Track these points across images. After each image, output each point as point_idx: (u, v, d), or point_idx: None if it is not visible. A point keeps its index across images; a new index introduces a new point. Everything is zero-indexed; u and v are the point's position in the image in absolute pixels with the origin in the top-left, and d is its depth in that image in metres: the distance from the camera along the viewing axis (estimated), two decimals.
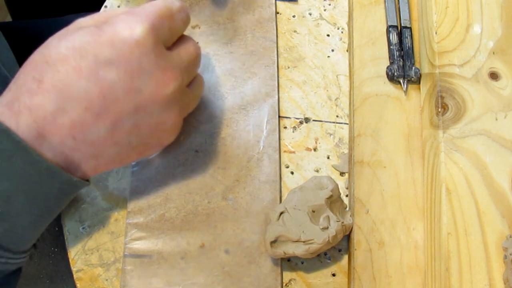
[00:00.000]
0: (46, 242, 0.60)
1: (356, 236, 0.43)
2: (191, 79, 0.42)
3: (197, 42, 0.44)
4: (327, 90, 0.51)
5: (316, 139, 0.49)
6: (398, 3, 0.52)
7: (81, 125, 0.36)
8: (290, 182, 0.47)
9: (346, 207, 0.45)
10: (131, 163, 0.46)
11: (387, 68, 0.49)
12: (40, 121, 0.35)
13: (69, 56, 0.36)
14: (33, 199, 0.36)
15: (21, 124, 0.35)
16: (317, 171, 0.47)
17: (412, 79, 0.48)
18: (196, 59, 0.41)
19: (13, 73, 0.39)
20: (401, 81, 0.48)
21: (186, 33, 0.42)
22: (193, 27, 0.52)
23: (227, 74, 0.50)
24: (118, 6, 0.54)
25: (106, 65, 0.36)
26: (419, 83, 0.48)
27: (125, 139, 0.38)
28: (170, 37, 0.39)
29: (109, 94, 0.36)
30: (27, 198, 0.36)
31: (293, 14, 0.54)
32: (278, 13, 0.54)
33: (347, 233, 0.43)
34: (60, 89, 0.35)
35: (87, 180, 0.40)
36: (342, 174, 0.47)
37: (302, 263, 0.44)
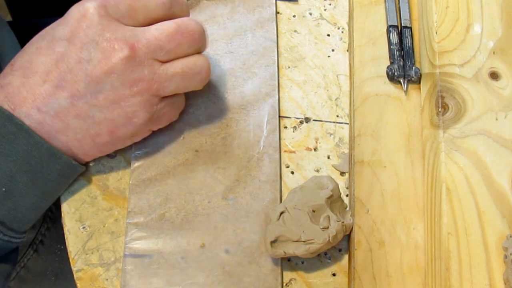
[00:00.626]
0: (53, 239, 0.60)
1: (356, 236, 0.43)
2: (171, 58, 0.41)
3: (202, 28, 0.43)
4: (328, 90, 0.51)
5: (317, 139, 0.49)
6: (399, 3, 0.52)
7: (43, 97, 0.39)
8: (290, 182, 0.47)
9: (347, 207, 0.45)
10: (132, 152, 0.46)
11: (388, 68, 0.49)
12: (10, 96, 0.39)
13: (34, 41, 0.41)
14: (35, 179, 0.40)
15: None
16: (317, 171, 0.47)
17: (413, 79, 0.48)
18: (173, 36, 0.41)
19: None
20: (402, 81, 0.48)
21: None
22: None
23: (227, 74, 0.50)
24: None
25: (60, 40, 0.40)
26: (419, 83, 0.48)
27: (87, 111, 0.40)
28: (129, 15, 0.41)
29: (63, 66, 0.39)
30: (29, 178, 0.40)
31: (293, 14, 0.54)
32: (278, 13, 0.54)
33: (347, 233, 0.43)
34: (25, 67, 0.40)
35: (84, 165, 0.44)
36: (342, 174, 0.47)
37: (302, 263, 0.44)
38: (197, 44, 0.42)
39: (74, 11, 0.40)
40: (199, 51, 0.43)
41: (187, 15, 0.44)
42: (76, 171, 0.43)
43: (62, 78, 0.39)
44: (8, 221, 0.40)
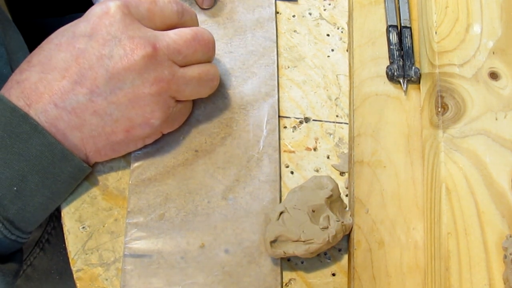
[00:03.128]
0: (59, 238, 0.60)
1: (356, 236, 0.43)
2: (186, 63, 0.43)
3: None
4: (327, 90, 0.51)
5: (316, 139, 0.49)
6: (398, 3, 0.52)
7: (61, 92, 0.39)
8: (290, 181, 0.47)
9: (346, 206, 0.45)
10: (132, 152, 0.46)
11: (387, 68, 0.49)
12: (26, 91, 0.39)
13: (53, 37, 0.41)
14: (46, 180, 0.40)
15: (12, 96, 0.39)
16: (317, 170, 0.47)
17: (412, 79, 0.48)
18: (191, 43, 0.42)
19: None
20: (401, 81, 0.48)
21: None
22: None
23: (227, 73, 0.50)
24: None
25: (81, 37, 0.40)
26: (419, 83, 0.48)
27: (105, 109, 0.40)
28: (148, 17, 0.42)
29: (83, 62, 0.39)
30: (40, 178, 0.40)
31: (293, 14, 0.54)
32: (278, 12, 0.54)
33: (347, 232, 0.43)
34: (43, 63, 0.40)
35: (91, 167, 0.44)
36: (342, 173, 0.47)
37: (302, 262, 0.44)
38: (210, 52, 0.44)
39: (96, 9, 0.41)
40: (209, 60, 0.45)
41: (197, 25, 0.45)
42: (85, 172, 0.44)
43: (82, 74, 0.39)
44: (16, 221, 0.40)
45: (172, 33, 0.42)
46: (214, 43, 0.44)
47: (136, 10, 0.41)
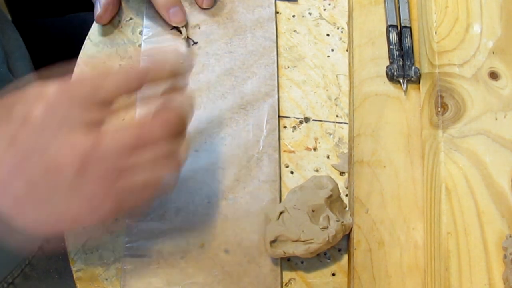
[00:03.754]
0: (58, 237, 0.60)
1: (356, 236, 0.43)
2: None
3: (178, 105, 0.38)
4: (327, 90, 0.51)
5: (316, 139, 0.49)
6: (398, 2, 0.52)
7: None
8: (290, 181, 0.47)
9: (346, 206, 0.45)
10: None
11: (387, 67, 0.49)
12: None
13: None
14: None
15: None
16: (316, 170, 0.47)
17: (412, 78, 0.48)
18: (133, 149, 0.35)
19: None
20: (401, 80, 0.48)
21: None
22: (193, 27, 0.52)
23: (227, 73, 0.50)
24: None
25: (20, 124, 0.34)
26: (419, 82, 0.48)
27: (45, 201, 0.35)
28: (91, 96, 0.35)
29: (21, 152, 0.34)
30: None
31: (293, 14, 0.54)
32: (278, 12, 0.54)
33: (347, 232, 0.43)
34: None
35: None
36: (342, 173, 0.47)
37: (302, 262, 0.44)
38: (160, 149, 0.36)
39: (32, 91, 0.35)
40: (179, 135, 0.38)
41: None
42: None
43: (19, 166, 0.35)
44: None
45: (110, 133, 0.35)
46: (165, 138, 0.36)
47: (78, 92, 0.35)
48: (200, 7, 0.52)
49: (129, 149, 0.35)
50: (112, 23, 0.53)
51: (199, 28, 0.52)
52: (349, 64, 0.51)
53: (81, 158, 0.34)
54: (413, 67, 0.48)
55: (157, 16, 0.52)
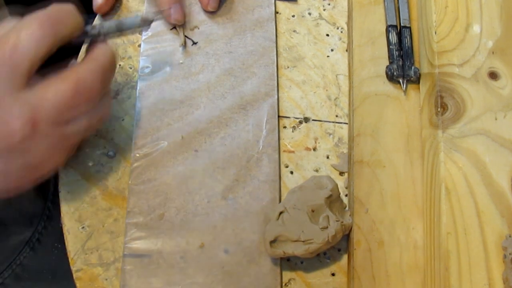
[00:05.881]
0: (50, 237, 0.60)
1: (356, 236, 0.43)
2: (72, 117, 0.40)
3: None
4: (327, 90, 0.51)
5: (316, 139, 0.49)
6: (398, 2, 0.52)
7: None
8: (290, 181, 0.47)
9: (346, 206, 0.45)
10: (132, 152, 0.46)
11: (387, 67, 0.49)
12: None
13: None
14: None
15: None
16: (316, 170, 0.47)
17: (412, 78, 0.48)
18: (72, 101, 0.39)
19: None
20: (401, 80, 0.48)
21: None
22: (192, 29, 0.52)
23: (226, 73, 0.50)
24: None
25: None
26: (419, 82, 0.48)
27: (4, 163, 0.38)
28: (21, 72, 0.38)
29: None
30: None
31: (292, 14, 0.54)
32: (277, 12, 0.54)
33: (347, 232, 0.43)
34: None
35: None
36: (341, 173, 0.47)
37: (302, 262, 0.44)
38: (96, 98, 0.41)
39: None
40: (95, 106, 0.41)
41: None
42: None
43: None
44: None
45: (51, 94, 0.38)
46: (99, 88, 0.40)
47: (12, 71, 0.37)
48: (204, 10, 0.52)
49: (69, 105, 0.39)
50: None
51: (198, 29, 0.52)
52: (349, 64, 0.51)
53: (25, 141, 0.37)
54: (412, 67, 0.48)
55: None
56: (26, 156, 0.39)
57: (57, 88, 0.38)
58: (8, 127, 0.37)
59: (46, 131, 0.38)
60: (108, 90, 0.43)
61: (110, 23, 0.44)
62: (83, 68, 0.40)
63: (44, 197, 0.61)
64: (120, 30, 0.44)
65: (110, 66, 0.41)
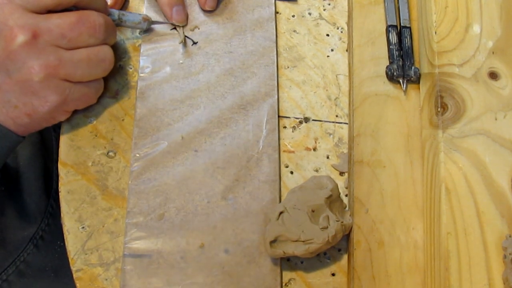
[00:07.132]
0: (53, 235, 0.60)
1: (356, 236, 0.43)
2: (73, 46, 0.43)
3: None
4: (327, 90, 0.51)
5: (316, 139, 0.49)
6: (398, 3, 0.52)
7: None
8: (290, 181, 0.47)
9: (346, 206, 0.45)
10: (132, 152, 0.46)
11: (387, 67, 0.49)
12: None
13: None
14: None
15: None
16: (316, 170, 0.47)
17: (412, 78, 0.48)
18: (75, 25, 0.42)
19: None
20: (401, 80, 0.48)
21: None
22: (192, 29, 0.52)
23: (226, 73, 0.50)
24: None
25: None
26: (419, 82, 0.48)
27: (2, 97, 0.42)
28: (35, 1, 0.41)
29: None
30: None
31: (292, 14, 0.54)
32: (277, 12, 0.54)
33: (347, 232, 0.43)
34: None
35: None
36: (341, 173, 0.47)
37: (302, 262, 0.44)
38: (98, 35, 0.44)
39: None
40: (105, 42, 0.45)
41: (96, 6, 0.45)
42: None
43: None
44: None
45: (55, 17, 0.42)
46: (103, 25, 0.44)
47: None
48: (202, 8, 0.52)
49: (71, 28, 0.42)
50: None
51: (198, 29, 0.52)
52: (349, 64, 0.51)
53: (24, 49, 0.40)
54: (412, 67, 0.48)
55: (156, 15, 0.52)
56: (22, 69, 0.41)
57: (63, 14, 0.42)
58: (11, 32, 0.40)
59: (45, 47, 0.41)
60: (109, 50, 0.46)
61: (113, 12, 0.47)
62: (89, 10, 0.44)
63: (47, 194, 0.61)
64: (121, 22, 0.48)
65: (112, 24, 0.46)
